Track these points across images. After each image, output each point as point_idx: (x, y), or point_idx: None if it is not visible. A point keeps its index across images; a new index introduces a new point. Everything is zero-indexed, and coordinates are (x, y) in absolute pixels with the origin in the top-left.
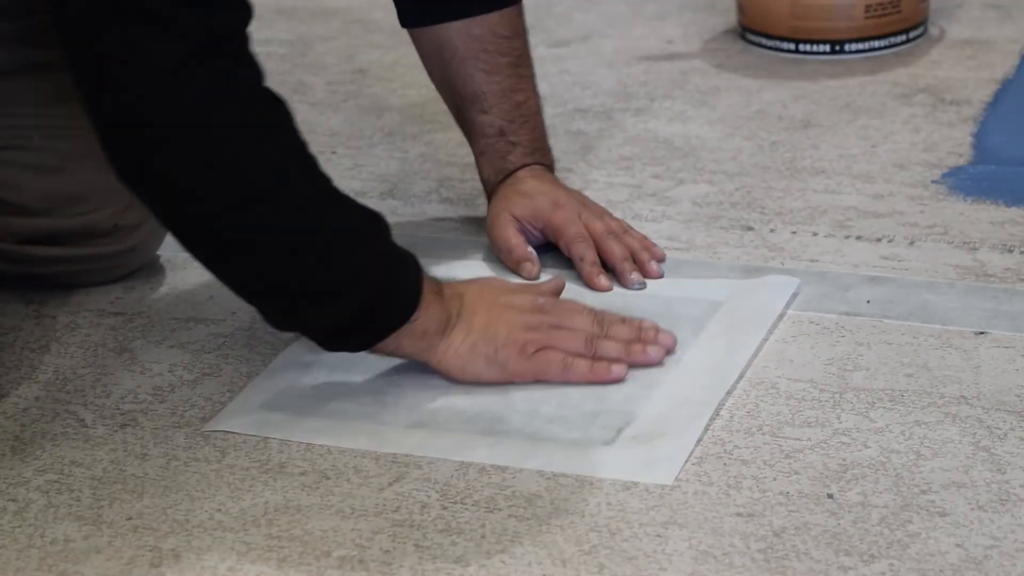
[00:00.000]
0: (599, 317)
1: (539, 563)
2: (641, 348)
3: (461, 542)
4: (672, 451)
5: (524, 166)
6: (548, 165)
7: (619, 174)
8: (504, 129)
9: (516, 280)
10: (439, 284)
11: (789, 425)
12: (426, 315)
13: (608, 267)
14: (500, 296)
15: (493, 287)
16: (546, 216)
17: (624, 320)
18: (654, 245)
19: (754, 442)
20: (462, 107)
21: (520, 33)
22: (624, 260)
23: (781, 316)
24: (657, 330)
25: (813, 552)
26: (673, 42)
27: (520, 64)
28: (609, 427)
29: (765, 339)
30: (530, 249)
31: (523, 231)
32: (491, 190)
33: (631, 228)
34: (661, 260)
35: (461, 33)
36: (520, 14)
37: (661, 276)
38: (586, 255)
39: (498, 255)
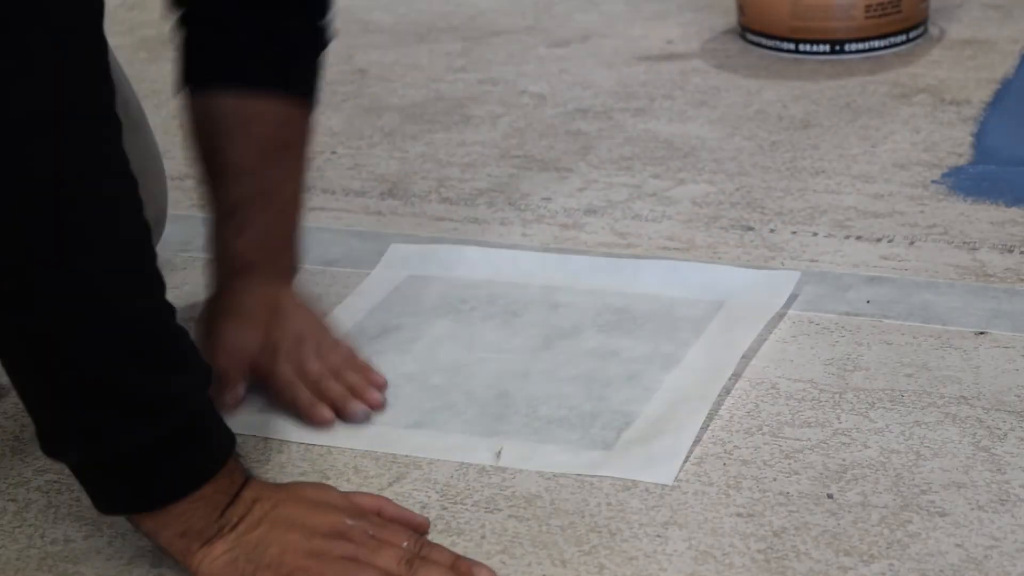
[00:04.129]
0: (415, 552)
1: (539, 563)
2: None
3: (461, 542)
4: (671, 449)
5: (244, 272)
6: (283, 270)
7: (619, 174)
8: (237, 207)
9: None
10: (243, 481)
11: (789, 425)
12: (192, 510)
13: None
14: (301, 510)
15: (305, 499)
16: (253, 359)
17: (443, 553)
18: (373, 371)
19: (754, 442)
20: (207, 179)
21: (298, 130)
22: (342, 397)
23: (781, 315)
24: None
25: (813, 552)
26: (673, 42)
27: (286, 151)
28: (609, 428)
29: (764, 336)
30: (240, 385)
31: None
32: (213, 284)
33: (352, 356)
34: (383, 387)
35: (232, 104)
36: (307, 119)
37: (383, 404)
38: (298, 396)
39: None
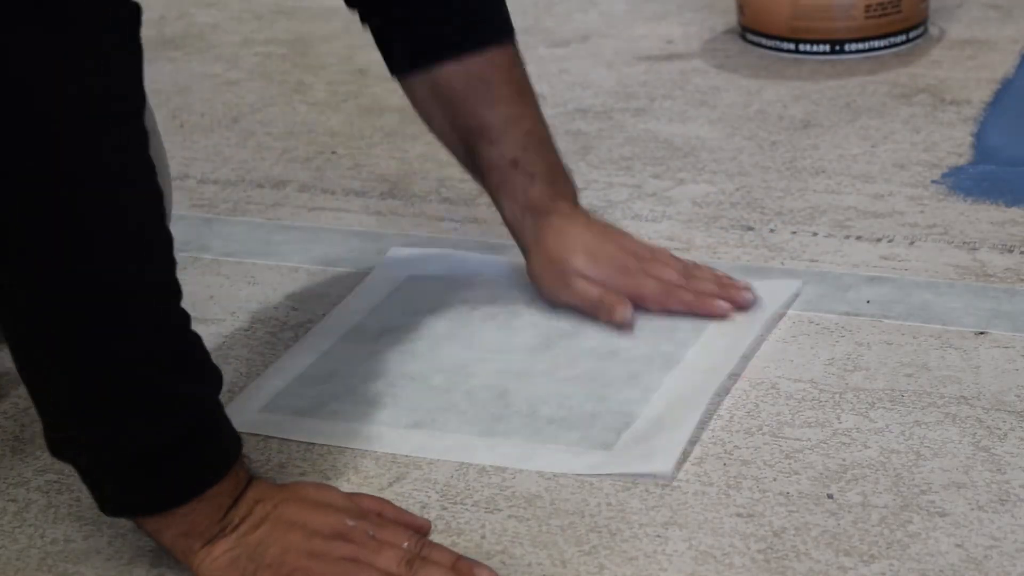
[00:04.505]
0: (416, 553)
1: (539, 563)
2: None
3: (461, 542)
4: (668, 441)
5: (553, 211)
6: (572, 198)
7: (619, 174)
8: (518, 159)
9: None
10: (246, 482)
11: (789, 425)
12: (196, 511)
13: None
14: (302, 510)
15: (307, 499)
16: (617, 282)
17: (443, 553)
18: (724, 274)
19: (754, 442)
20: (469, 145)
21: (519, 64)
22: (723, 290)
23: (781, 315)
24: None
25: (813, 552)
26: (673, 42)
27: (524, 93)
28: (609, 429)
29: (764, 336)
30: (617, 295)
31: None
32: (522, 234)
33: (690, 262)
34: (743, 288)
35: (458, 71)
36: (516, 51)
37: (754, 300)
38: (684, 298)
39: (585, 311)
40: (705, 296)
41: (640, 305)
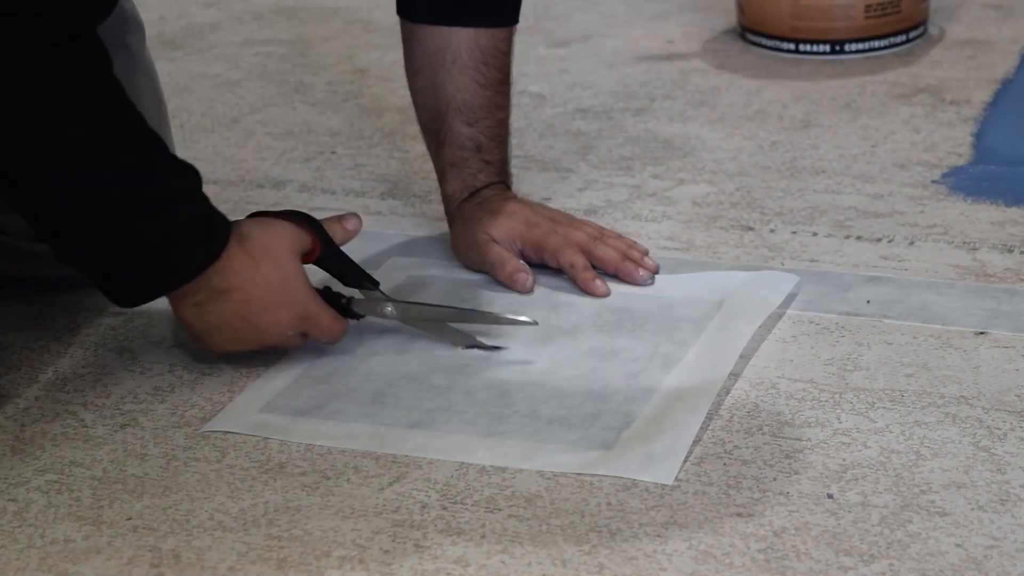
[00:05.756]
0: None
1: (539, 563)
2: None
3: (461, 542)
4: (671, 448)
5: (488, 185)
6: (508, 185)
7: (619, 174)
8: (483, 146)
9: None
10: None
11: (789, 425)
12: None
13: (606, 273)
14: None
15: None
16: (523, 234)
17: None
18: (635, 242)
19: (754, 442)
20: (445, 115)
21: (511, 52)
22: (623, 261)
23: (780, 315)
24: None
25: (813, 552)
26: (673, 42)
27: (507, 82)
28: (609, 428)
29: (764, 336)
30: (521, 262)
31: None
32: (454, 207)
33: (608, 231)
34: (647, 255)
35: (469, 40)
36: (514, 34)
37: (658, 269)
38: (576, 261)
39: (488, 272)
40: (603, 259)
41: (540, 258)
